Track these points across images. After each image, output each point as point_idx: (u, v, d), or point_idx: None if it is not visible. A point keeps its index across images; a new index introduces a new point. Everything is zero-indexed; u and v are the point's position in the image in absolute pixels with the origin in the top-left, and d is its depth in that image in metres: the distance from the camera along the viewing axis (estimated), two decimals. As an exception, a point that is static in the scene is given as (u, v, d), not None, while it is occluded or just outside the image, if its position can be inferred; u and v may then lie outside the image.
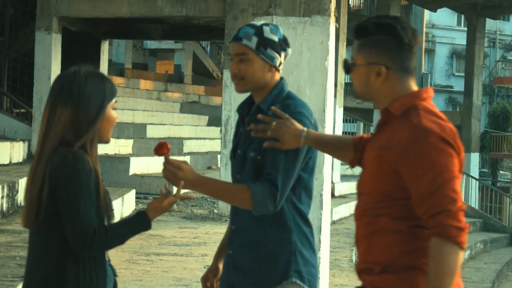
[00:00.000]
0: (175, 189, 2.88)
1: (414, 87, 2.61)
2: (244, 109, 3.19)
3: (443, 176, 2.41)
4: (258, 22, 3.16)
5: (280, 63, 3.12)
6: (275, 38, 3.09)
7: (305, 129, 2.92)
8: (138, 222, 2.79)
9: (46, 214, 2.70)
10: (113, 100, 2.86)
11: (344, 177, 17.73)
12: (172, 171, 2.86)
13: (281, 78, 3.17)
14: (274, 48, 3.08)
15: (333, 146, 3.00)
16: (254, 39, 3.07)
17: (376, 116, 19.24)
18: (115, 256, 2.90)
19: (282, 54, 3.11)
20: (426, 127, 2.45)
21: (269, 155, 2.97)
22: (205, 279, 3.26)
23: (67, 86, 2.79)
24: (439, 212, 2.39)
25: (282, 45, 3.10)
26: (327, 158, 6.06)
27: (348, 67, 2.65)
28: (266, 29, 3.09)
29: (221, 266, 3.25)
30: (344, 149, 2.98)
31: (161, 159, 2.98)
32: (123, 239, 2.76)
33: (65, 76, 2.82)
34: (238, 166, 3.09)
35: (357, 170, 14.13)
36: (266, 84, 3.12)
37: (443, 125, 2.48)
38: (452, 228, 2.38)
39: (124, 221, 2.79)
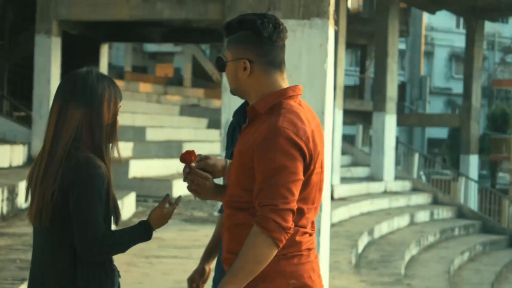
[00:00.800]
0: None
1: (282, 81, 2.70)
2: (240, 115, 3.25)
3: (281, 175, 2.50)
4: None
5: None
6: None
7: (228, 162, 2.89)
8: (141, 232, 2.81)
9: (59, 215, 2.72)
10: (119, 104, 2.88)
11: (343, 180, 17.74)
12: (200, 182, 2.79)
13: None
14: None
15: None
16: None
17: (376, 119, 19.25)
18: (115, 258, 2.90)
19: None
20: (280, 126, 2.54)
21: None
22: (191, 280, 3.28)
23: (81, 85, 2.79)
24: (267, 205, 2.49)
25: None
26: (327, 160, 6.07)
27: (221, 65, 2.75)
28: None
29: (207, 268, 3.29)
30: None
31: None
32: (125, 247, 2.78)
33: (78, 76, 2.81)
34: None
35: (356, 173, 14.18)
36: None
37: (299, 126, 2.57)
38: (273, 222, 2.47)
39: (128, 230, 2.81)
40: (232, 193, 2.67)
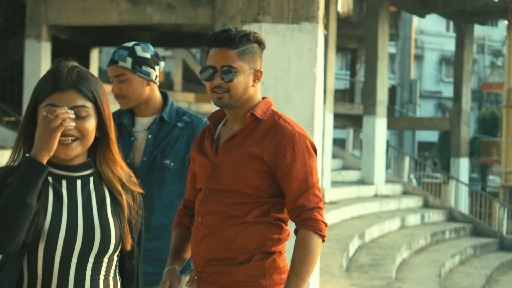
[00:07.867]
0: None
1: None
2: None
3: (313, 177, 2.74)
4: (129, 43, 3.44)
5: (156, 77, 3.42)
6: (148, 55, 3.40)
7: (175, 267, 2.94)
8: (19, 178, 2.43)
9: None
10: (43, 104, 2.39)
11: (334, 183, 17.75)
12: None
13: (166, 93, 3.49)
14: (148, 64, 3.37)
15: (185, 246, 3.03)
16: (129, 60, 3.36)
17: (366, 122, 19.27)
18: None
19: (157, 68, 3.41)
20: (299, 132, 2.74)
21: None
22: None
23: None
24: (313, 208, 2.70)
25: (155, 60, 3.41)
26: (317, 164, 6.06)
27: (230, 76, 2.72)
28: (138, 49, 3.39)
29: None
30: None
31: None
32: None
33: None
34: None
35: (347, 176, 14.13)
36: (148, 98, 3.43)
37: (305, 132, 2.80)
38: (322, 223, 2.71)
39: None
40: (232, 196, 2.74)
